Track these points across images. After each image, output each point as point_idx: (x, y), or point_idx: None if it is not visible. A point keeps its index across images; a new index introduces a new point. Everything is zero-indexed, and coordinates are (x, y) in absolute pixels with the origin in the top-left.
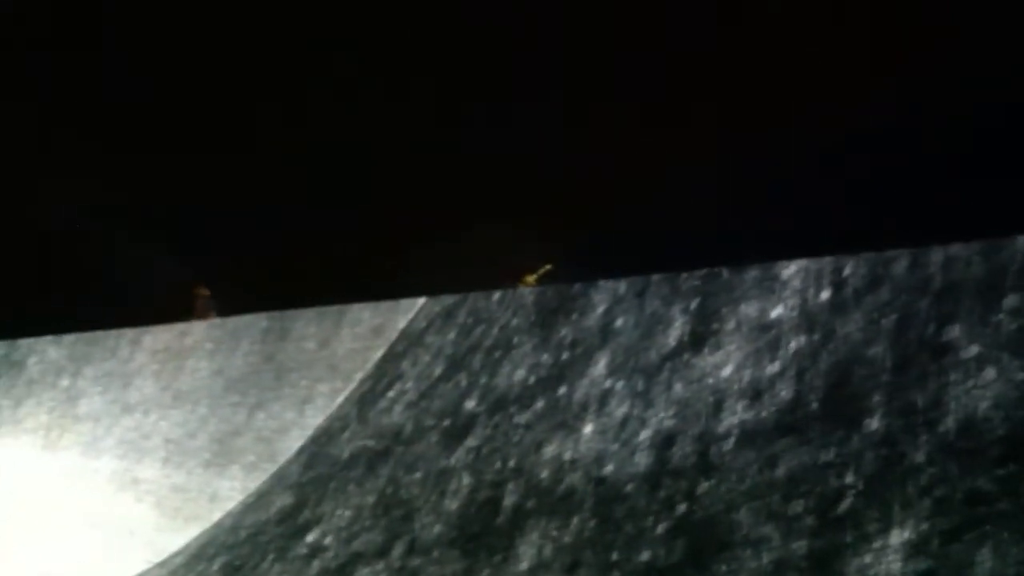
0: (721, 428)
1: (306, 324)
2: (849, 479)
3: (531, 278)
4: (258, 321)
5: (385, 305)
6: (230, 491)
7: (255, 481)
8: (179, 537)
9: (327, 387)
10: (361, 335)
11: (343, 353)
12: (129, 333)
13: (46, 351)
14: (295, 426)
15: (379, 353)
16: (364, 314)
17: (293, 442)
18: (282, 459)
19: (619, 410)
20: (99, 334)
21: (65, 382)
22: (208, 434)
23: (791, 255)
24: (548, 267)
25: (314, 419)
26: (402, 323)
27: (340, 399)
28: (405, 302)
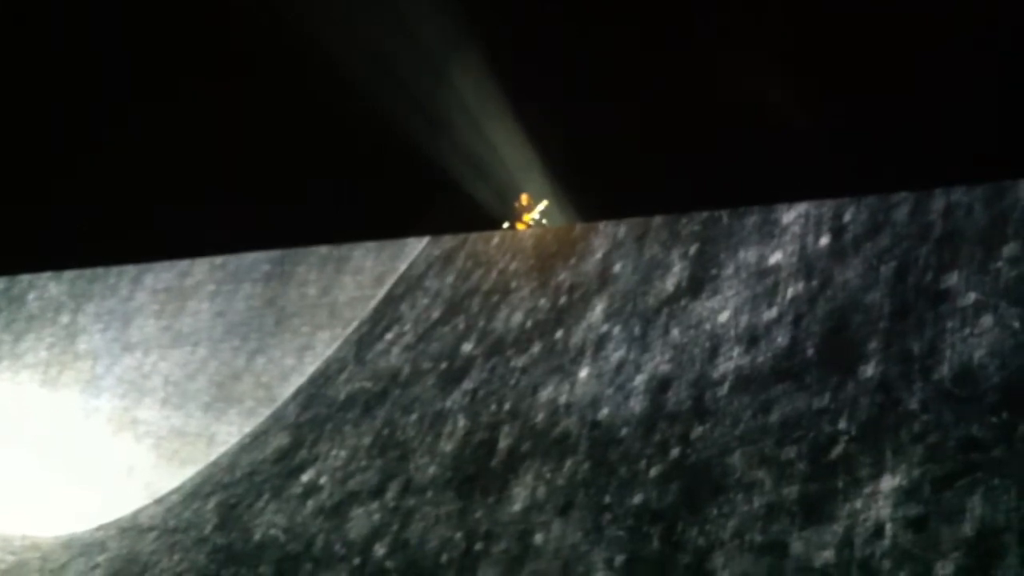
0: (717, 373)
1: (308, 269)
2: (843, 425)
3: (528, 217)
4: (260, 264)
5: (387, 253)
6: (228, 436)
7: (253, 426)
8: (176, 479)
9: (327, 334)
10: (363, 283)
11: (345, 300)
12: (131, 271)
13: (46, 287)
14: (295, 372)
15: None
16: (367, 262)
17: (293, 388)
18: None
19: (615, 354)
20: (99, 271)
21: (65, 319)
22: (208, 376)
23: (792, 198)
24: (545, 203)
25: (313, 366)
26: (403, 268)
27: (339, 343)
28: (407, 251)
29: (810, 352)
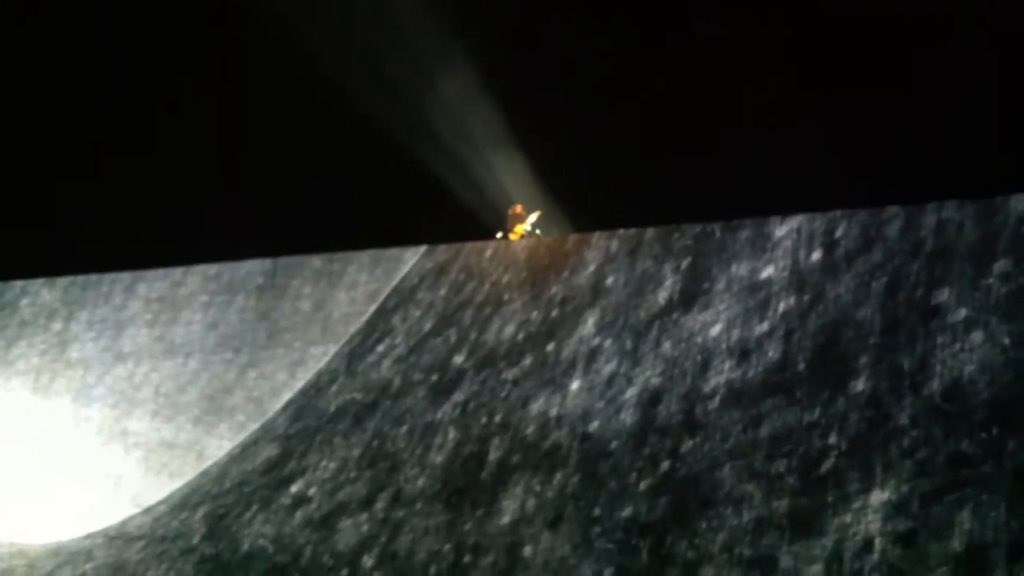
0: (708, 387)
1: (302, 283)
2: (833, 440)
3: (521, 228)
4: (254, 276)
5: (382, 269)
6: (217, 449)
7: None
8: (164, 492)
9: (320, 350)
10: (357, 299)
11: (338, 316)
12: (124, 279)
13: (39, 293)
14: (286, 388)
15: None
16: (361, 277)
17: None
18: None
19: (607, 368)
20: (92, 278)
21: (58, 326)
22: (199, 389)
23: (784, 211)
24: (538, 213)
25: (304, 382)
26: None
27: (330, 356)
28: (401, 267)
29: (801, 367)
